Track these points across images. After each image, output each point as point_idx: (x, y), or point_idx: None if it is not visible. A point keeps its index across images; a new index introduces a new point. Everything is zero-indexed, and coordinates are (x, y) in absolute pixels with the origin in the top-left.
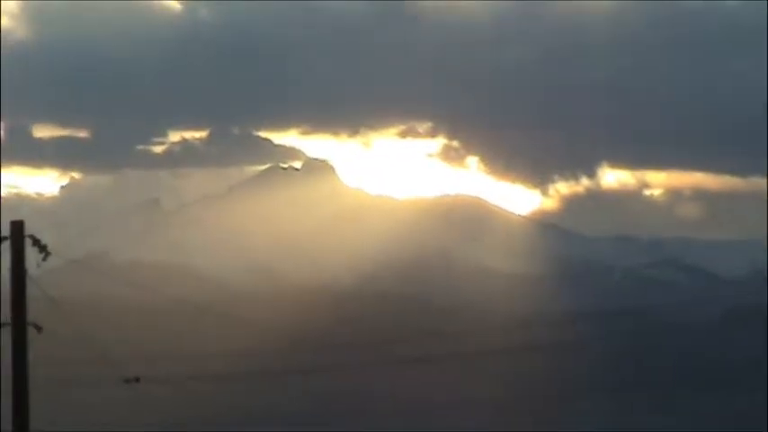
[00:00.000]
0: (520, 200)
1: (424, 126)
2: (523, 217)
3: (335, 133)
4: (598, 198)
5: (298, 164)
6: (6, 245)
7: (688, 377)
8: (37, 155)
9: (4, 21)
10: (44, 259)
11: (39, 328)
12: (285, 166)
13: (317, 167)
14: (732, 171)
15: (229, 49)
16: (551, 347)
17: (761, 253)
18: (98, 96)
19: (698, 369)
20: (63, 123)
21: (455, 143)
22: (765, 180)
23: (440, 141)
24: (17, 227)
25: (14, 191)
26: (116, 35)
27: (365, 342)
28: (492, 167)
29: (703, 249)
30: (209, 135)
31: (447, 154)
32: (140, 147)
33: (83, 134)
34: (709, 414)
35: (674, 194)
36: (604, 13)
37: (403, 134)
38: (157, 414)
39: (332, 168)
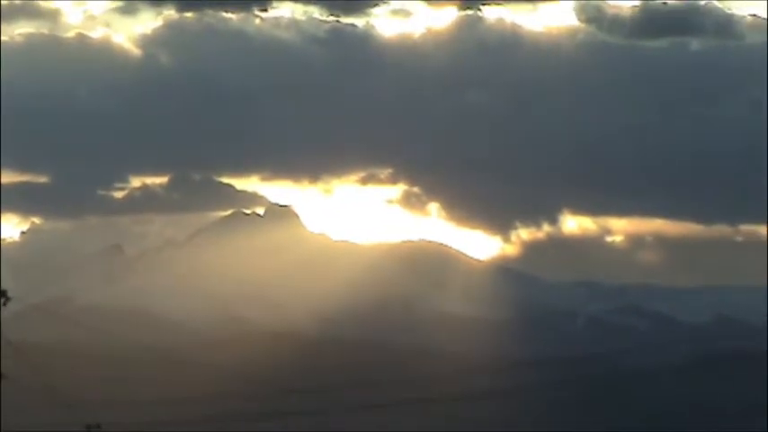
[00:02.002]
0: (481, 246)
1: (384, 172)
2: (485, 263)
3: (296, 179)
4: (560, 244)
5: (260, 209)
6: None
7: (650, 422)
8: None
9: None
10: (4, 304)
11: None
12: (248, 211)
13: (280, 213)
14: (693, 218)
15: (189, 96)
16: (512, 393)
17: (722, 299)
18: (58, 141)
19: (659, 414)
20: (23, 168)
21: (416, 189)
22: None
23: (401, 188)
24: None
25: None
26: (76, 79)
27: (326, 387)
28: (453, 213)
29: (665, 295)
30: (170, 181)
31: (408, 200)
32: (101, 192)
33: (43, 179)
34: None
35: (636, 241)
36: (567, 60)
37: (363, 180)
38: None
39: (295, 214)
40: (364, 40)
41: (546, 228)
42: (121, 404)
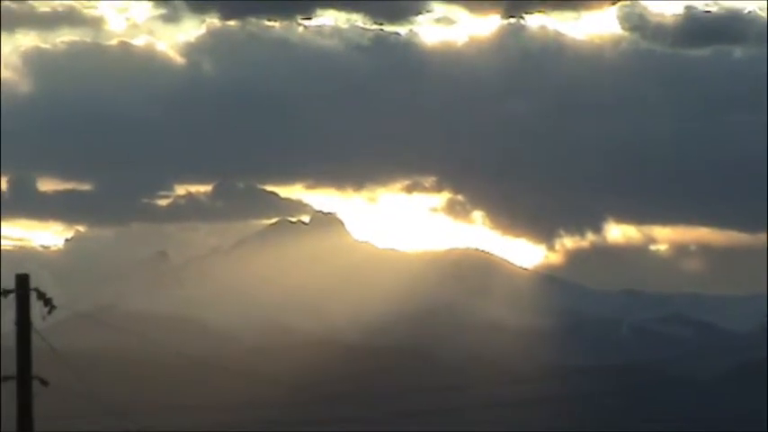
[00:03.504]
0: (525, 254)
1: (428, 180)
2: (529, 271)
3: (340, 187)
4: (604, 253)
5: (305, 217)
6: (11, 298)
7: (695, 431)
8: (42, 208)
9: (8, 74)
10: (49, 312)
11: (44, 382)
12: (293, 219)
13: (325, 221)
14: (737, 226)
15: (233, 104)
16: (558, 401)
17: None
18: (103, 150)
19: (705, 423)
20: (67, 177)
21: (460, 197)
22: None
23: (445, 196)
24: (22, 280)
25: (19, 244)
26: (121, 89)
27: (370, 395)
28: (497, 222)
29: (710, 304)
30: (215, 189)
31: (452, 208)
32: (145, 200)
33: (87, 187)
34: None
35: (680, 250)
36: (610, 68)
37: (408, 189)
38: None
39: (340, 222)
40: (408, 48)
41: (590, 236)
42: (165, 411)
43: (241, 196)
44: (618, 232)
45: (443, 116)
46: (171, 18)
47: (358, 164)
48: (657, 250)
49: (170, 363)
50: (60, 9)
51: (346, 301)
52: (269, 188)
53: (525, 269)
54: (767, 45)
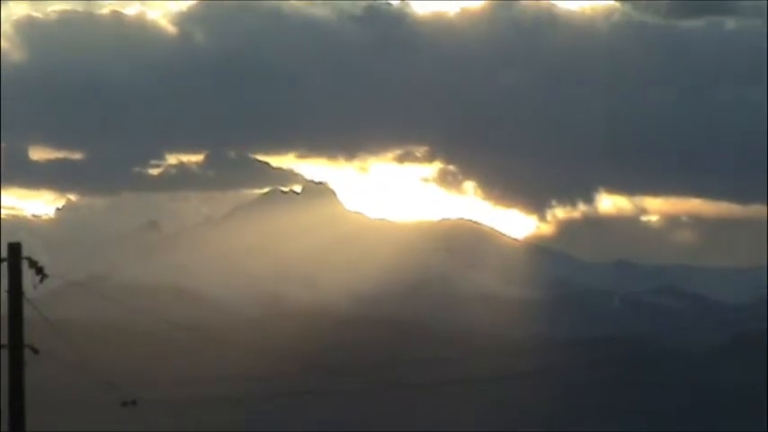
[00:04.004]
0: (517, 225)
1: (420, 150)
2: (521, 242)
3: (332, 157)
4: (595, 224)
5: (297, 187)
6: (3, 267)
7: (687, 404)
8: (33, 177)
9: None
10: (41, 281)
11: (35, 351)
12: (285, 189)
13: (317, 191)
14: (729, 198)
15: (225, 74)
16: (549, 373)
17: (761, 280)
18: (94, 119)
19: (700, 396)
20: (59, 146)
21: (452, 167)
22: (765, 207)
23: (437, 166)
24: (14, 249)
25: (11, 212)
26: (112, 58)
27: (363, 366)
28: (489, 192)
29: (703, 276)
30: (206, 158)
31: (444, 179)
32: (137, 169)
33: (79, 156)
34: None
35: (672, 221)
36: (603, 40)
37: (400, 159)
38: None
39: (332, 192)
40: (400, 19)
41: (582, 207)
42: (157, 381)
43: (233, 166)
44: (609, 203)
45: (435, 87)
46: None
47: (349, 134)
48: (649, 221)
49: (161, 332)
50: None
51: (338, 271)
52: (260, 158)
53: (517, 240)
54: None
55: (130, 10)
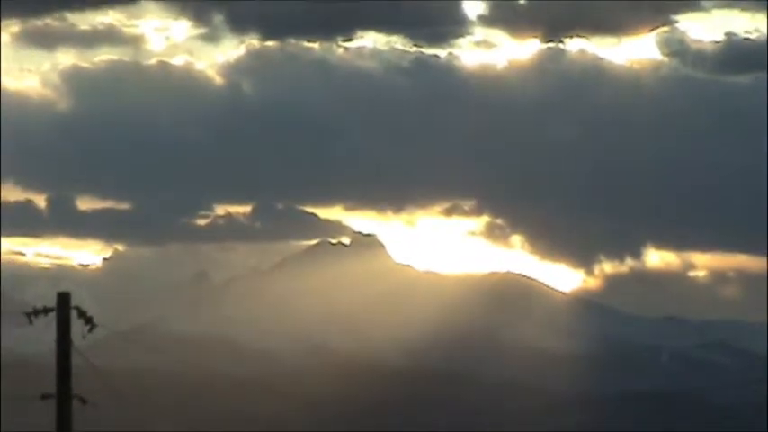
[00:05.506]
0: (564, 279)
1: (468, 204)
2: (568, 296)
3: (380, 210)
4: (643, 278)
5: (345, 239)
6: (52, 316)
7: None
8: (80, 227)
9: (47, 93)
10: (90, 331)
11: (84, 401)
12: (334, 241)
13: (366, 243)
14: None
15: (272, 125)
16: (596, 428)
17: None
18: (141, 169)
19: None
20: (106, 196)
21: (499, 221)
22: None
23: (484, 219)
24: (63, 298)
25: (57, 262)
26: (159, 108)
27: (410, 419)
28: (536, 246)
29: (751, 332)
30: (254, 209)
31: (491, 232)
32: (184, 220)
33: (126, 206)
34: None
35: (719, 276)
36: (648, 93)
37: (447, 212)
38: None
39: (381, 244)
40: (447, 71)
41: (629, 261)
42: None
43: (280, 217)
44: (657, 258)
45: (482, 139)
46: (210, 38)
47: (397, 186)
48: (696, 276)
49: (209, 384)
50: (100, 27)
51: (386, 324)
52: (308, 209)
53: (564, 294)
54: None
55: (177, 60)
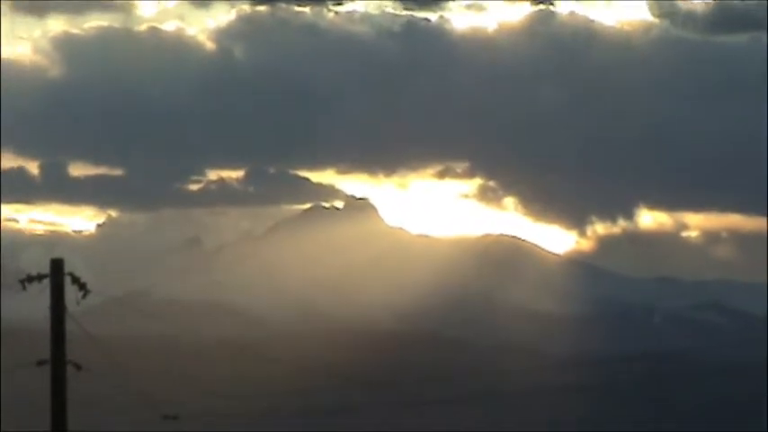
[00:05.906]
0: (557, 240)
1: (460, 166)
2: (561, 257)
3: (372, 173)
4: (636, 239)
5: (338, 203)
6: (46, 283)
7: (729, 421)
8: (73, 193)
9: (38, 59)
10: (83, 297)
11: (78, 367)
12: (327, 205)
13: (358, 207)
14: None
15: (263, 89)
16: (591, 389)
17: None
18: (134, 135)
19: (740, 413)
20: (99, 162)
21: (492, 183)
22: None
23: (476, 182)
24: (57, 265)
25: (51, 228)
26: (151, 73)
27: (404, 382)
28: (529, 208)
29: (745, 291)
30: (246, 174)
31: (484, 194)
32: (177, 185)
33: (118, 172)
34: None
35: (712, 236)
36: (643, 55)
37: (440, 174)
38: None
39: (373, 207)
40: (438, 35)
41: (622, 223)
42: (197, 397)
43: (272, 181)
44: (650, 219)
45: (474, 102)
46: (201, 3)
47: (389, 150)
48: (689, 236)
49: (202, 348)
50: None
51: (379, 287)
52: (301, 173)
53: (557, 255)
54: None
55: (168, 26)
